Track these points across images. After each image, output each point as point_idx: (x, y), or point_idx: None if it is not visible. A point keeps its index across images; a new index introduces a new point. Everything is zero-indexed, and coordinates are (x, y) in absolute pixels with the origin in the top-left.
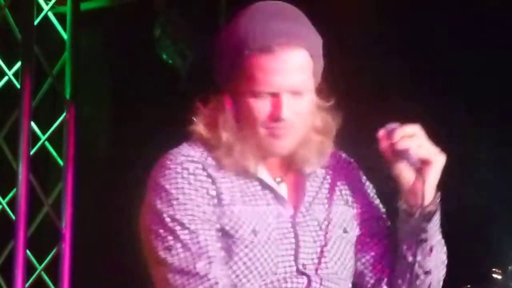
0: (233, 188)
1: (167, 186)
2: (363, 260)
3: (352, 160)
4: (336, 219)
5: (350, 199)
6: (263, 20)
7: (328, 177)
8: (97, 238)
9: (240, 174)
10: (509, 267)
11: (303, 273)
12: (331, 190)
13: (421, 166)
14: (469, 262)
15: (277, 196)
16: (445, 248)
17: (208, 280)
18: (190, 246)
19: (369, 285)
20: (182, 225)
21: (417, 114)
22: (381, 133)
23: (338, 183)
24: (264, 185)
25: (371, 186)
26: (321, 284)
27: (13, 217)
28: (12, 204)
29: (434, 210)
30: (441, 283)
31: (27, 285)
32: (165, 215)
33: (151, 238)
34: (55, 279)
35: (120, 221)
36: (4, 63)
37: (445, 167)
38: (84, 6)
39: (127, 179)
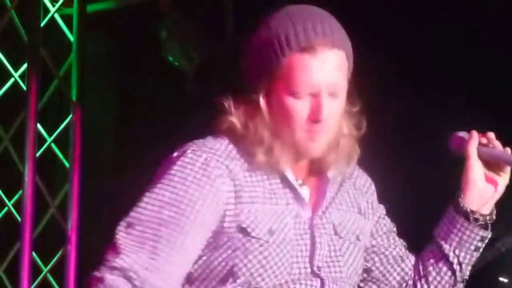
0: (254, 185)
1: (178, 173)
2: (376, 272)
3: (365, 174)
4: (350, 226)
5: (363, 209)
6: (303, 20)
7: (344, 184)
8: (103, 240)
9: (264, 171)
10: None
11: (317, 275)
12: (347, 197)
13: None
14: (474, 265)
15: (297, 197)
16: None
17: (126, 271)
18: (144, 241)
19: None
20: (159, 219)
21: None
22: (471, 134)
23: (353, 192)
24: (286, 184)
25: (381, 206)
26: (335, 284)
27: (19, 219)
28: (18, 205)
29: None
30: None
31: (32, 287)
32: (155, 195)
33: (137, 200)
34: (61, 281)
35: None
36: (11, 64)
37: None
38: (90, 8)
39: (133, 181)
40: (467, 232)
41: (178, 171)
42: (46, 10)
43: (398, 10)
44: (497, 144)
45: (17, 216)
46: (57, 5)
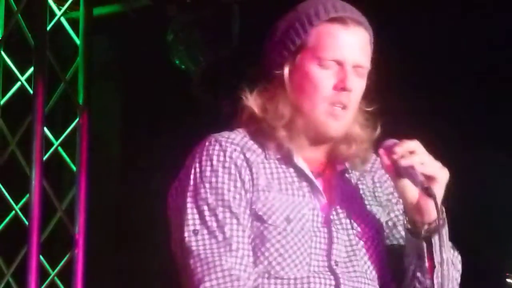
0: (271, 175)
1: (202, 168)
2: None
3: None
4: (369, 220)
5: (383, 201)
6: (332, 0)
7: (363, 178)
8: (110, 243)
9: (281, 162)
10: None
11: (333, 272)
12: (366, 190)
13: (426, 185)
14: (483, 266)
15: (314, 189)
16: (456, 265)
17: (230, 275)
18: (217, 235)
19: None
20: (211, 210)
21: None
22: (381, 151)
23: (373, 184)
24: (302, 177)
25: (400, 200)
26: (350, 281)
27: (26, 223)
28: (25, 209)
29: (441, 224)
30: None
31: None
32: (197, 196)
33: (180, 217)
34: (68, 284)
35: (133, 226)
36: (17, 68)
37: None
38: (96, 11)
39: (140, 184)
40: (410, 243)
41: (207, 166)
42: (53, 14)
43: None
44: (407, 161)
45: (24, 220)
46: (63, 9)
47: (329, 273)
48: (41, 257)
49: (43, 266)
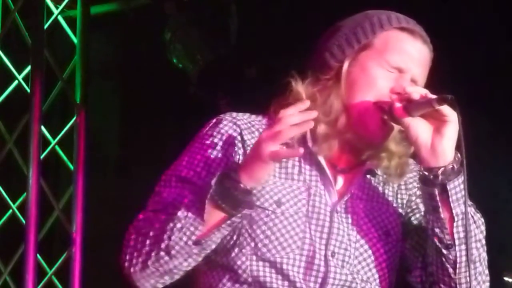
0: None
1: (196, 138)
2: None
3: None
4: (381, 220)
5: (405, 202)
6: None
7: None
8: (108, 242)
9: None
10: None
11: (328, 260)
12: (390, 191)
13: (445, 96)
14: None
15: (324, 179)
16: (478, 223)
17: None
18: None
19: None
20: (177, 177)
21: None
22: (392, 95)
23: (397, 186)
24: (314, 165)
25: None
26: (342, 275)
27: (24, 221)
28: (22, 208)
29: (457, 170)
30: (481, 265)
31: None
32: (176, 163)
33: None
34: (66, 283)
35: (130, 224)
36: (14, 67)
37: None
38: (94, 10)
39: (137, 183)
40: (425, 195)
41: (200, 137)
42: (50, 13)
43: None
44: (419, 94)
45: (21, 218)
46: (61, 7)
47: (322, 262)
48: (38, 255)
49: (40, 265)
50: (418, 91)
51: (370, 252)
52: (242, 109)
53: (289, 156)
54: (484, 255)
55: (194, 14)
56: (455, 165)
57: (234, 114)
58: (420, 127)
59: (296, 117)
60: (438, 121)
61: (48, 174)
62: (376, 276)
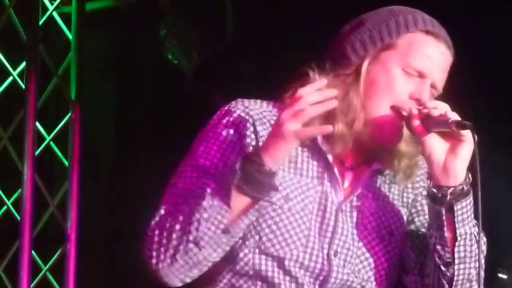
0: None
1: (210, 127)
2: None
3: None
4: (385, 220)
5: (410, 202)
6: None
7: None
8: (102, 238)
9: (303, 145)
10: None
11: (330, 259)
12: (396, 191)
13: (462, 120)
14: None
15: (331, 177)
16: (480, 243)
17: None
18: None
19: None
20: (194, 166)
21: None
22: (413, 110)
23: (403, 186)
24: (322, 161)
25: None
26: (344, 275)
27: (18, 218)
28: (17, 204)
29: (466, 191)
30: (477, 283)
31: (32, 285)
32: (191, 154)
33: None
34: (61, 279)
35: (125, 221)
36: (9, 63)
37: None
38: (89, 6)
39: (132, 179)
40: (431, 211)
41: (214, 126)
42: (45, 9)
43: None
44: (439, 112)
45: (16, 215)
46: (56, 3)
47: (325, 261)
48: (33, 252)
49: (35, 261)
50: (439, 109)
51: (372, 252)
52: None
53: (316, 133)
54: (482, 273)
55: (189, 10)
56: (464, 186)
57: (246, 102)
58: (435, 144)
59: (316, 95)
60: (454, 140)
61: (43, 170)
62: (377, 275)
